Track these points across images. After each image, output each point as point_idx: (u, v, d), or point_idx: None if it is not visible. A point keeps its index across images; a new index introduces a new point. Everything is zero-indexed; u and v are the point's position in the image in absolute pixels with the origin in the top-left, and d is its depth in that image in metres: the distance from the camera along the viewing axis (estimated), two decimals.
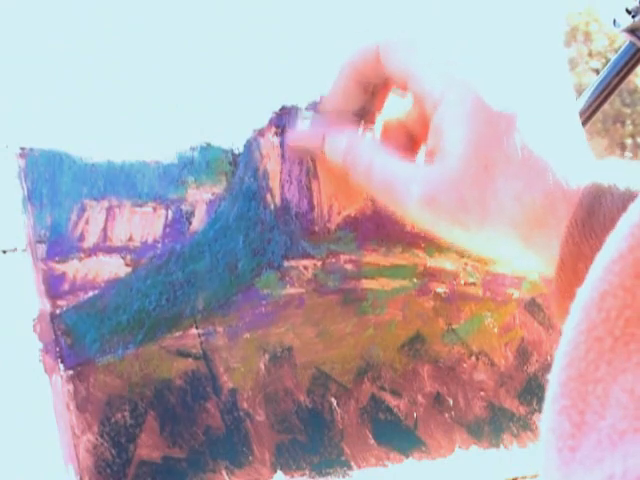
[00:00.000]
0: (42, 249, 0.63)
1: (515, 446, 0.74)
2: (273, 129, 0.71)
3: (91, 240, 0.64)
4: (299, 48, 0.74)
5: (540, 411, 0.75)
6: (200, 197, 0.68)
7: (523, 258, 0.60)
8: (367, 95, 0.66)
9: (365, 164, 0.63)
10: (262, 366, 0.67)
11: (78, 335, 0.63)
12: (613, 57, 1.09)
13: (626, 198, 0.55)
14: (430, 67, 0.60)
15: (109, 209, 0.65)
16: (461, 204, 0.59)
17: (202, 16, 0.70)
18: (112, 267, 0.65)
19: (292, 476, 0.67)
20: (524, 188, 0.58)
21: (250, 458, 0.66)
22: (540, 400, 0.76)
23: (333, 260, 0.71)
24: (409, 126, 0.66)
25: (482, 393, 0.74)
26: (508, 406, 0.75)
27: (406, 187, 0.60)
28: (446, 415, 0.72)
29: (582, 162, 0.59)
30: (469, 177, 0.58)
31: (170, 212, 0.67)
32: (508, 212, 0.58)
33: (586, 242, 0.55)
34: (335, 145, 0.65)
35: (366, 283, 0.72)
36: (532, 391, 0.76)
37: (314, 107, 0.71)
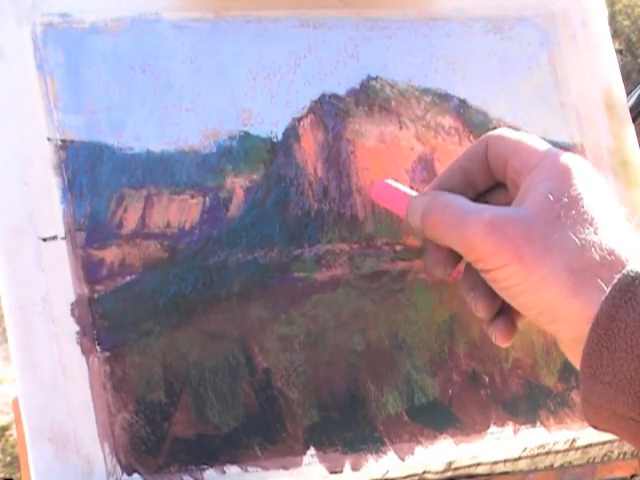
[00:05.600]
0: (81, 236, 0.57)
1: (552, 422, 0.64)
2: (312, 117, 0.62)
3: (129, 227, 0.58)
4: (338, 36, 0.66)
5: (578, 388, 0.66)
6: (238, 184, 0.61)
7: (563, 311, 0.51)
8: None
9: (442, 203, 0.57)
10: (296, 346, 0.60)
11: (115, 318, 0.57)
12: None
13: None
14: (527, 145, 0.57)
15: (147, 197, 0.59)
16: (526, 236, 0.52)
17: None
18: (149, 253, 0.58)
19: (325, 452, 0.59)
20: (591, 238, 0.51)
21: (283, 435, 0.59)
22: (578, 377, 0.65)
23: (370, 243, 0.62)
24: None
25: (519, 371, 0.64)
26: (546, 383, 0.65)
27: (477, 214, 0.54)
28: (482, 392, 0.63)
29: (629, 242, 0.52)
30: (540, 217, 0.52)
31: (207, 199, 0.60)
32: (569, 253, 0.51)
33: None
34: (417, 202, 0.59)
35: (402, 265, 0.63)
36: (571, 368, 0.65)
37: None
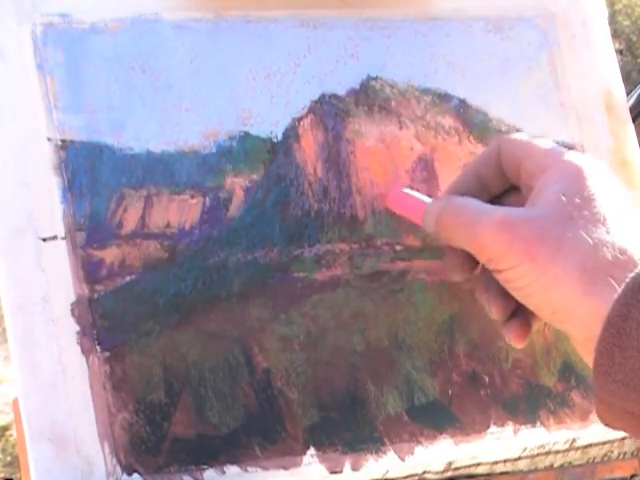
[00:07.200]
0: (81, 237, 0.57)
1: (552, 422, 0.64)
2: (312, 117, 0.62)
3: (129, 227, 0.58)
4: (338, 36, 0.66)
5: (578, 388, 0.66)
6: (238, 184, 0.61)
7: (576, 311, 0.51)
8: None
9: (455, 206, 0.57)
10: (296, 346, 0.60)
11: (115, 318, 0.57)
12: None
13: None
14: (540, 148, 0.57)
15: (147, 197, 0.59)
16: (538, 236, 0.52)
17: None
18: (149, 253, 0.58)
19: (325, 452, 0.59)
20: (604, 238, 0.51)
21: (283, 435, 0.59)
22: (578, 377, 0.65)
23: (370, 243, 0.62)
24: None
25: (519, 371, 0.64)
26: (546, 383, 0.65)
27: (489, 214, 0.54)
28: (482, 392, 0.63)
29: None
30: (552, 217, 0.52)
31: (207, 199, 0.60)
32: (582, 253, 0.51)
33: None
34: (432, 207, 0.59)
35: (402, 265, 0.63)
36: (571, 368, 0.66)
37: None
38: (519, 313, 0.57)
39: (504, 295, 0.56)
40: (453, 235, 0.56)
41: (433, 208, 0.58)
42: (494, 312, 0.57)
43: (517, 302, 0.55)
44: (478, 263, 0.57)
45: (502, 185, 0.60)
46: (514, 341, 0.57)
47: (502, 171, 0.59)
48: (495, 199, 0.60)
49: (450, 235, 0.56)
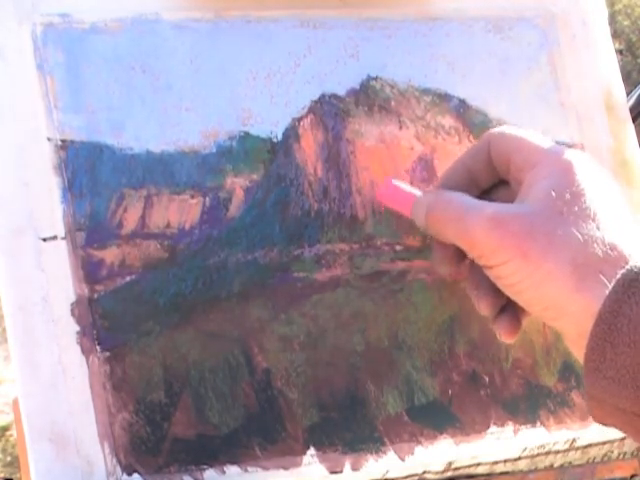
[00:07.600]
0: (81, 237, 0.57)
1: (552, 422, 0.64)
2: (312, 117, 0.62)
3: (129, 227, 0.58)
4: (338, 36, 0.66)
5: (578, 388, 0.66)
6: (238, 184, 0.60)
7: (567, 307, 0.51)
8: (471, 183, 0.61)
9: (445, 200, 0.57)
10: (296, 346, 0.60)
11: (115, 318, 0.57)
12: None
13: None
14: (529, 142, 0.57)
15: (147, 197, 0.59)
16: (529, 232, 0.52)
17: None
18: (149, 253, 0.58)
19: (325, 452, 0.59)
20: (594, 234, 0.51)
21: (283, 435, 0.59)
22: (578, 377, 0.65)
23: (370, 243, 0.62)
24: None
25: (519, 371, 0.64)
26: (546, 383, 0.65)
27: (480, 209, 0.54)
28: (482, 392, 0.63)
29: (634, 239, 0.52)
30: (543, 213, 0.52)
31: (207, 199, 0.60)
32: (572, 249, 0.51)
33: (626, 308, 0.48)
34: (421, 200, 0.59)
35: (402, 265, 0.63)
36: (571, 368, 0.66)
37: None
38: (508, 308, 0.57)
39: (494, 291, 0.56)
40: (443, 230, 0.56)
41: (423, 201, 0.58)
42: (483, 308, 0.57)
43: (507, 297, 0.55)
44: (465, 256, 0.58)
45: (491, 179, 0.60)
46: (504, 337, 0.57)
47: (492, 165, 0.59)
48: (484, 194, 0.60)
49: (440, 230, 0.57)
